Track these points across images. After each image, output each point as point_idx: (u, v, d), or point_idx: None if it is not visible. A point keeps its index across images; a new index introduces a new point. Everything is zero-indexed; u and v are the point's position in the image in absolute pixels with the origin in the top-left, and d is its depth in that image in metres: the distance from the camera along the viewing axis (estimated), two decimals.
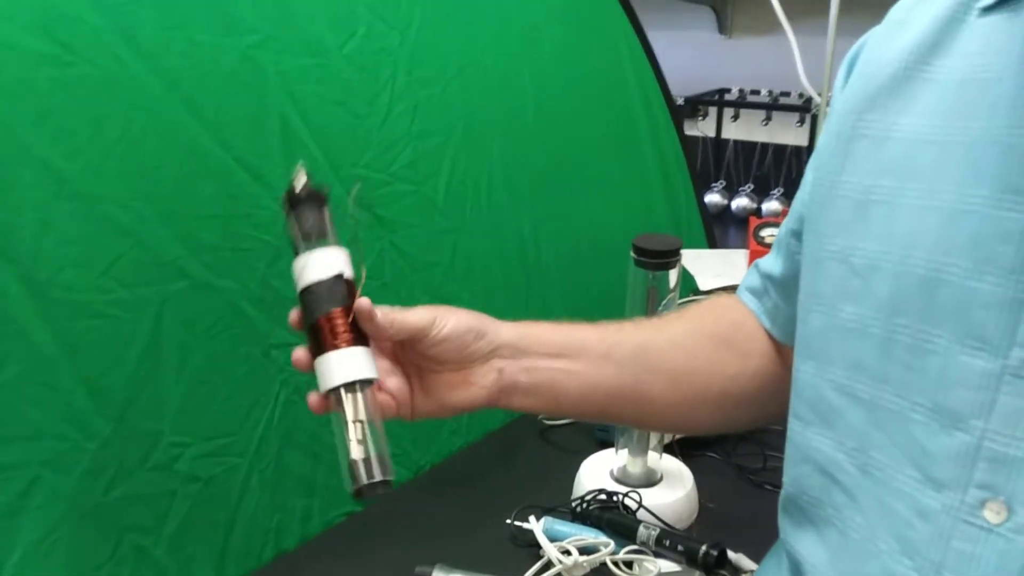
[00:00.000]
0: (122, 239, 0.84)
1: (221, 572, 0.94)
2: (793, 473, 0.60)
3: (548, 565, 0.95)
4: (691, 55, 4.11)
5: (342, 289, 0.60)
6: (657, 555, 0.93)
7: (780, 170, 4.25)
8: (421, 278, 1.16)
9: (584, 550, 0.95)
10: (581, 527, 1.00)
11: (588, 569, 0.95)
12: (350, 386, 0.60)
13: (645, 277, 1.02)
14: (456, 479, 1.14)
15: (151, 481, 0.87)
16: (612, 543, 0.95)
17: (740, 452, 1.21)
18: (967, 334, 0.47)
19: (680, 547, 0.92)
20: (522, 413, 1.33)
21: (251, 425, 0.96)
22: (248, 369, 0.95)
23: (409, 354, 0.67)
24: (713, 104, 4.42)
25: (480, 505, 1.08)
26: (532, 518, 1.00)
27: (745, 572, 0.92)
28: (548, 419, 1.27)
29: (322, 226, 0.62)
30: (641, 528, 0.95)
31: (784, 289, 0.69)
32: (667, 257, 1.00)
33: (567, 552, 0.94)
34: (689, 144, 1.84)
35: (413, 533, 1.02)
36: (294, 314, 0.63)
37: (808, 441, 0.58)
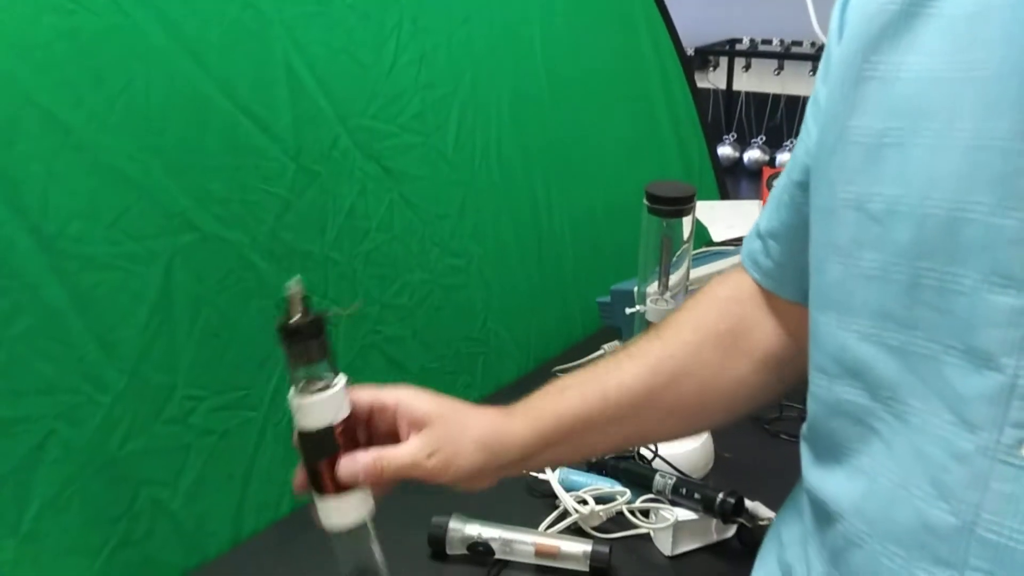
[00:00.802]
0: (129, 191, 0.83)
1: (238, 525, 0.94)
2: (825, 428, 0.59)
3: (564, 515, 0.95)
4: (701, 5, 4.03)
5: (332, 439, 0.60)
6: (673, 504, 0.93)
7: (793, 121, 4.19)
8: (431, 231, 1.15)
9: (600, 499, 0.95)
10: (597, 477, 0.99)
11: (604, 518, 0.95)
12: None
13: (659, 225, 1.01)
14: None
15: (166, 434, 0.87)
16: (628, 492, 0.95)
17: None
18: (994, 272, 0.46)
19: (697, 495, 0.91)
20: (535, 366, 1.33)
21: (264, 378, 0.96)
22: (260, 322, 0.94)
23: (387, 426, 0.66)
24: (724, 54, 4.34)
25: None
26: (548, 469, 1.00)
27: (762, 520, 0.92)
28: (562, 368, 1.26)
29: (316, 357, 0.59)
30: (657, 477, 0.95)
31: (788, 243, 0.67)
32: (681, 204, 0.99)
33: (583, 502, 0.94)
34: (700, 96, 1.81)
35: (429, 485, 1.01)
36: (295, 439, 0.62)
37: (837, 395, 0.56)
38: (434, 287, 1.16)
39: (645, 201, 1.00)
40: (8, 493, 0.76)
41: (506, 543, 0.89)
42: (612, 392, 0.69)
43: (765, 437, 1.13)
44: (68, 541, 0.80)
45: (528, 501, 0.99)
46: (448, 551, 0.90)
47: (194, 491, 0.89)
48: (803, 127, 0.64)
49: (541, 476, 0.99)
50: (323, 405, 0.59)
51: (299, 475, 0.62)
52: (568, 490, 0.96)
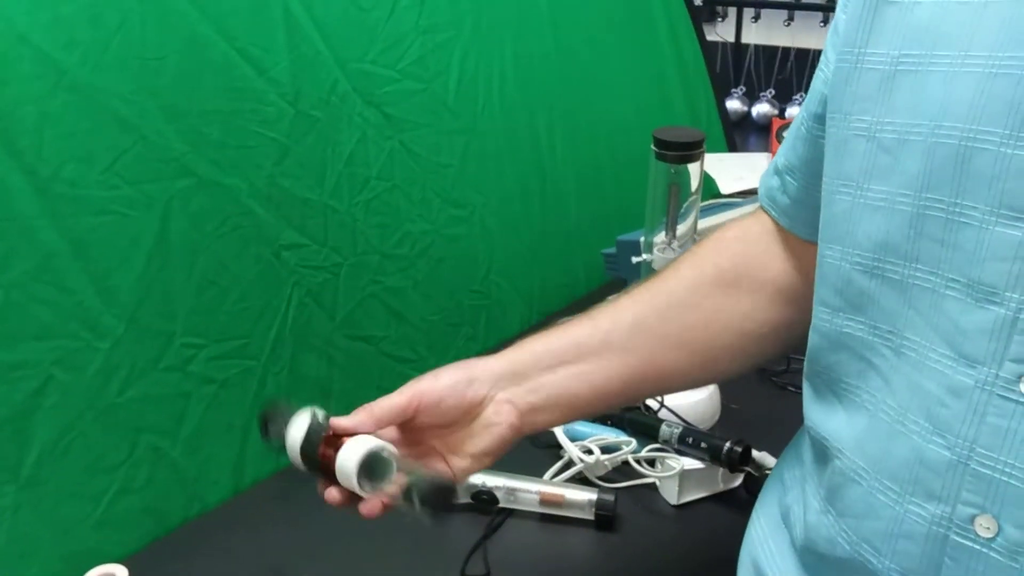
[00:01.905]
0: (125, 134, 0.81)
1: (239, 474, 0.94)
2: (825, 361, 0.58)
3: (569, 464, 0.94)
4: None
5: (316, 432, 0.62)
6: (679, 453, 0.92)
7: (803, 75, 4.12)
8: (432, 180, 1.13)
9: (606, 449, 0.94)
10: (602, 427, 0.99)
11: (610, 468, 0.94)
12: (369, 467, 0.60)
13: (666, 172, 0.99)
14: None
15: (165, 382, 0.86)
16: (634, 442, 0.94)
17: None
18: (1002, 204, 0.45)
19: (703, 444, 0.91)
20: (538, 319, 1.32)
21: (264, 327, 0.94)
22: (259, 270, 0.93)
23: (418, 435, 0.65)
24: (732, 4, 4.25)
25: None
26: None
27: (769, 469, 0.91)
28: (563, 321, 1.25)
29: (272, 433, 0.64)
30: (663, 427, 0.94)
31: (805, 178, 0.66)
32: (690, 149, 0.97)
33: (588, 451, 0.94)
34: (709, 49, 1.77)
35: None
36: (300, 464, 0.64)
37: (839, 328, 0.56)
38: (436, 237, 1.14)
39: (653, 147, 0.98)
40: (7, 438, 0.75)
41: (510, 491, 0.88)
42: (602, 319, 0.69)
43: (772, 388, 1.12)
44: (69, 487, 0.79)
45: (532, 452, 0.98)
46: None
47: (194, 440, 0.89)
48: (822, 56, 0.62)
49: None
50: (296, 423, 0.63)
51: (329, 492, 0.62)
52: (573, 440, 0.95)
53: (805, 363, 0.62)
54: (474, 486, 0.89)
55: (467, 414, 0.64)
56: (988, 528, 0.45)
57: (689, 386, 0.96)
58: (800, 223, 0.67)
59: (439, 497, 0.58)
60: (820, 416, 0.59)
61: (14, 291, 0.75)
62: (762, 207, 0.72)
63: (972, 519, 0.46)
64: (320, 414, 0.63)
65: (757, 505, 0.71)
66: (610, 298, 0.72)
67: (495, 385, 0.65)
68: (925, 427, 0.48)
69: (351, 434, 0.61)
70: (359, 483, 0.59)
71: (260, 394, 0.94)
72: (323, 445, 0.61)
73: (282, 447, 0.64)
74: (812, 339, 0.60)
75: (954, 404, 0.47)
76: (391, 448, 0.60)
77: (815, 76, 0.63)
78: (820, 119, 0.61)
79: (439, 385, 0.64)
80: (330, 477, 0.60)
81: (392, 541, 0.85)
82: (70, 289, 0.78)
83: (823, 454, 0.58)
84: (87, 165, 0.78)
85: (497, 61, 1.22)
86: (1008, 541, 0.45)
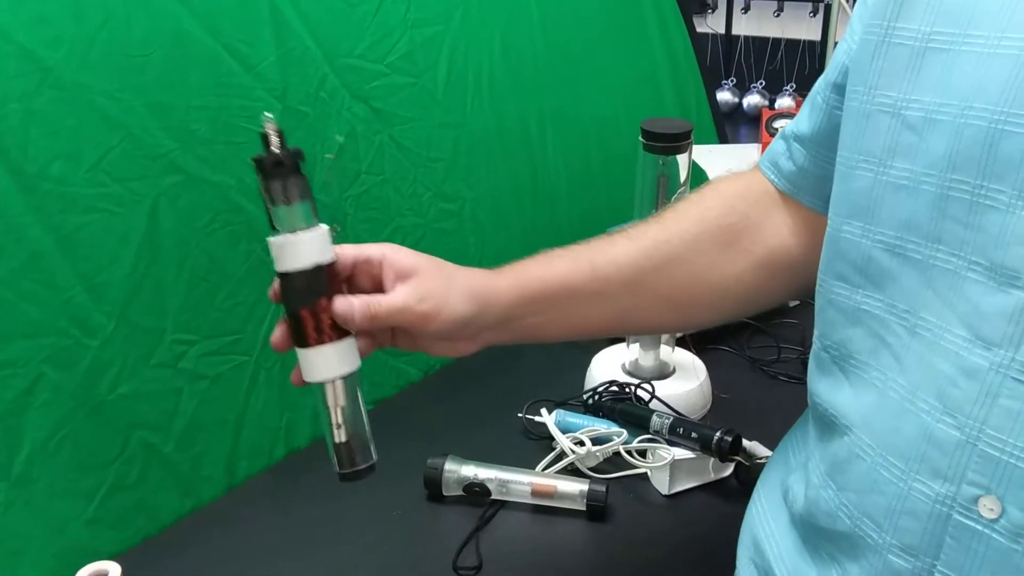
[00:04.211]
0: (111, 131, 0.81)
1: (232, 469, 0.94)
2: (838, 336, 0.58)
3: (561, 456, 0.94)
4: None
5: (321, 279, 0.57)
6: (671, 443, 0.93)
7: (793, 66, 4.12)
8: (423, 174, 1.13)
9: (597, 440, 0.94)
10: (593, 419, 0.99)
11: (601, 459, 0.94)
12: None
13: (655, 163, 0.99)
14: (467, 376, 1.13)
15: (156, 379, 0.86)
16: (625, 433, 0.95)
17: (754, 345, 1.19)
18: None
19: (694, 434, 0.91)
20: None
21: (255, 323, 0.94)
22: (250, 266, 0.92)
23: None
24: None
25: (492, 401, 1.07)
26: (544, 411, 0.99)
27: (760, 458, 0.91)
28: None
29: (297, 194, 0.57)
30: (654, 417, 0.94)
31: (816, 147, 0.65)
32: (677, 140, 0.97)
33: (580, 443, 0.94)
34: (699, 41, 1.77)
35: (425, 428, 1.01)
36: (273, 291, 0.60)
37: (857, 304, 0.56)
38: (427, 231, 1.14)
39: (641, 138, 0.98)
40: None
41: (502, 483, 0.89)
42: (601, 265, 0.69)
43: (763, 378, 1.13)
44: (61, 485, 0.79)
45: (524, 443, 0.99)
46: (444, 492, 0.90)
47: (187, 436, 0.89)
48: (848, 27, 0.62)
49: (537, 419, 0.99)
50: (310, 243, 0.57)
51: (279, 330, 0.60)
52: (564, 432, 0.96)
53: (815, 337, 0.62)
54: (466, 478, 0.89)
55: (445, 338, 0.65)
56: (992, 509, 0.46)
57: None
58: (804, 191, 0.68)
59: (351, 461, 0.59)
60: (827, 391, 0.59)
61: (2, 289, 0.75)
62: (761, 171, 0.72)
63: (976, 500, 0.46)
64: (327, 252, 0.58)
65: (758, 486, 0.72)
66: (612, 230, 0.72)
67: (485, 328, 0.65)
68: (935, 406, 0.48)
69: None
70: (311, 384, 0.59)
71: (252, 390, 0.94)
72: (308, 312, 0.57)
73: (268, 217, 0.57)
74: (828, 314, 0.60)
75: (966, 385, 0.47)
76: (357, 372, 0.60)
77: (838, 47, 0.63)
78: (840, 89, 0.60)
79: (441, 318, 0.62)
80: (293, 329, 0.58)
81: (385, 534, 0.86)
82: (59, 287, 0.78)
83: (828, 429, 0.58)
84: (74, 163, 0.78)
85: (486, 54, 1.22)
86: (1011, 523, 0.45)
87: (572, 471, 0.93)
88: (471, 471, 0.89)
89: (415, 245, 1.13)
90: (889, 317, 0.53)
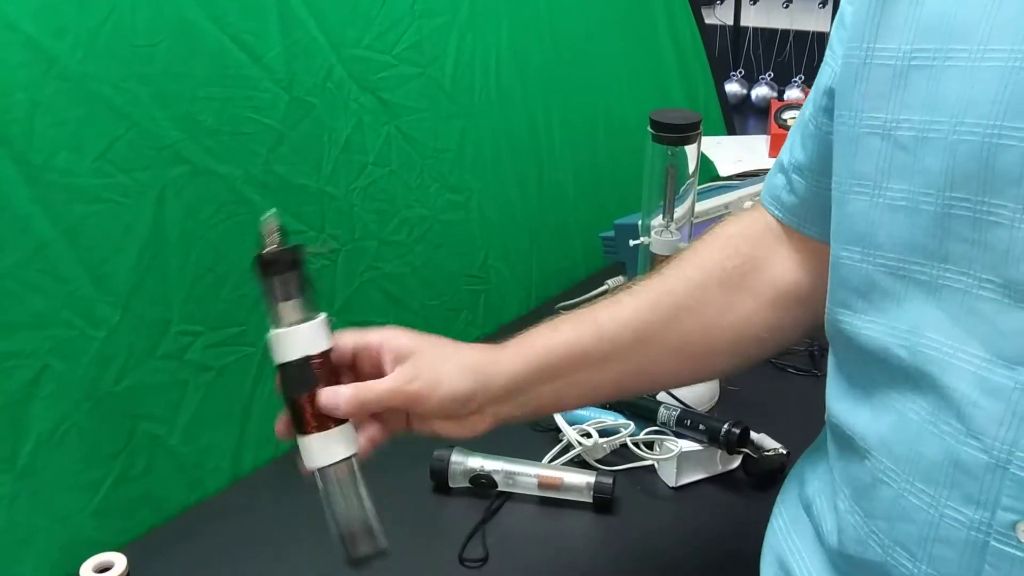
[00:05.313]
0: (117, 121, 0.80)
1: (238, 461, 0.94)
2: (849, 362, 0.57)
3: (567, 448, 0.94)
4: None
5: (310, 372, 0.58)
6: (678, 435, 0.92)
7: (802, 57, 4.09)
8: (430, 165, 1.12)
9: (604, 432, 0.94)
10: (600, 411, 0.98)
11: (608, 451, 0.94)
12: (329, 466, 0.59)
13: (664, 154, 0.98)
14: None
15: (162, 370, 0.86)
16: (632, 425, 0.94)
17: None
18: None
19: (701, 426, 0.90)
20: (537, 304, 1.31)
21: (261, 314, 0.91)
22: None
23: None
24: None
25: None
26: None
27: (768, 451, 0.91)
28: (562, 307, 1.25)
29: (296, 290, 0.59)
30: (661, 409, 0.94)
31: (815, 176, 0.64)
32: (686, 131, 0.96)
33: (587, 435, 0.93)
34: (707, 32, 1.76)
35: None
36: (277, 382, 0.60)
37: (859, 330, 0.54)
38: (433, 223, 1.14)
39: (649, 129, 0.98)
40: (3, 428, 0.75)
41: (509, 475, 0.88)
42: (607, 325, 0.66)
43: (771, 370, 1.12)
44: (66, 476, 0.79)
45: (531, 435, 0.98)
46: (451, 484, 0.89)
47: (192, 427, 0.89)
48: (828, 48, 0.61)
49: None
50: (301, 335, 0.58)
51: (281, 420, 0.61)
52: (571, 424, 0.95)
53: (829, 358, 0.61)
54: (472, 470, 0.89)
55: (447, 418, 0.63)
56: None
57: (678, 386, 0.97)
58: (809, 223, 0.66)
59: (355, 548, 0.59)
60: (846, 413, 0.57)
61: (8, 280, 0.75)
62: (764, 206, 0.70)
63: (1014, 525, 0.44)
64: (319, 342, 0.59)
65: (778, 501, 0.70)
66: (612, 287, 0.70)
67: (491, 402, 0.63)
68: (958, 428, 0.47)
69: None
70: (312, 472, 0.59)
71: (258, 381, 0.94)
72: (304, 400, 0.58)
73: (274, 321, 0.58)
74: (837, 341, 0.58)
75: (989, 405, 0.45)
76: (355, 457, 0.60)
77: (820, 70, 0.62)
78: (829, 113, 0.59)
79: (436, 396, 0.61)
80: (291, 416, 0.59)
81: (391, 526, 0.85)
82: (64, 278, 0.78)
83: (847, 450, 0.56)
84: (79, 153, 0.78)
85: (493, 45, 1.21)
86: None
87: (579, 463, 0.93)
88: (477, 463, 0.89)
89: (422, 237, 1.13)
90: (890, 339, 0.51)
